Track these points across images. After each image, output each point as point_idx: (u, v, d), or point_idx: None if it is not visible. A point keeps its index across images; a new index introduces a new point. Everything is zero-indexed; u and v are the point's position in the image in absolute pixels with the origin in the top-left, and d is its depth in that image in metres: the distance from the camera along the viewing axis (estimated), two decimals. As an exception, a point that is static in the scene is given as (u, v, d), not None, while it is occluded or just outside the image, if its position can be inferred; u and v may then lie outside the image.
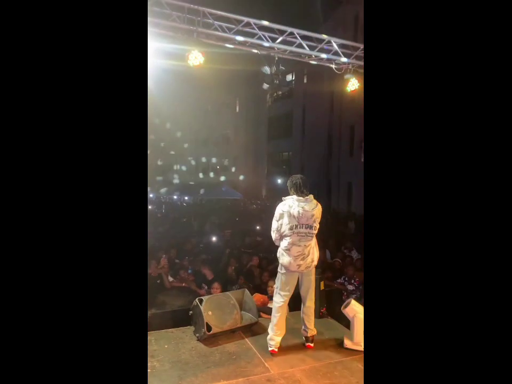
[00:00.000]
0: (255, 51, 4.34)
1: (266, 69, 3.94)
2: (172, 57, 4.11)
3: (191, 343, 3.20)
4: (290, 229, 2.89)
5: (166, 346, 3.13)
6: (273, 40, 4.36)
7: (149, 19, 3.78)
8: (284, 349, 3.07)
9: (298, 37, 4.49)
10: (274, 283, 4.18)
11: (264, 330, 3.35)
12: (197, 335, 3.26)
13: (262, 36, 4.28)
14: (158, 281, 4.72)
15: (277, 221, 2.95)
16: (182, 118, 24.29)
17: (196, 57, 3.87)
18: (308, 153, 19.98)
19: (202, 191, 19.63)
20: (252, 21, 4.13)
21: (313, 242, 3.01)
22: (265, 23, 4.22)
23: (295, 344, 3.18)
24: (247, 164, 25.67)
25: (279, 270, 3.06)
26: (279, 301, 3.05)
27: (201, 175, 27.94)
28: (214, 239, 8.00)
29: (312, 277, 3.13)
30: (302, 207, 2.89)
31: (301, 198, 2.93)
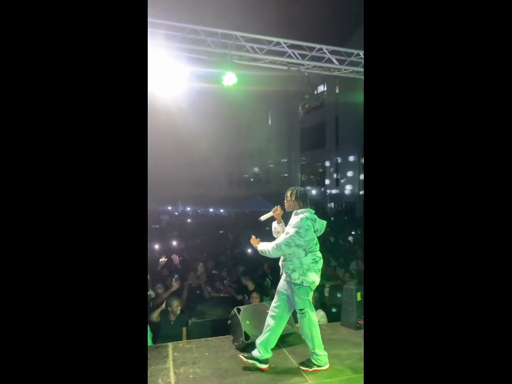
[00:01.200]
0: (285, 68, 4.51)
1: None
2: (207, 80, 4.38)
3: (230, 351, 3.31)
4: (316, 244, 2.81)
5: (206, 354, 3.27)
6: (303, 57, 4.52)
7: (185, 46, 4.08)
8: (321, 359, 3.10)
9: (327, 52, 4.61)
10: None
11: (301, 340, 3.40)
12: (236, 343, 3.37)
13: (292, 54, 4.45)
14: (198, 291, 4.90)
15: (302, 237, 2.70)
16: (216, 135, 24.98)
17: (230, 78, 4.11)
18: (342, 163, 19.77)
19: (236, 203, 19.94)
20: (281, 40, 4.32)
21: None
22: (295, 41, 4.39)
23: (332, 355, 3.20)
24: (280, 176, 25.79)
25: (301, 294, 2.80)
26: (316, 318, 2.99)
27: (235, 188, 28.41)
28: (249, 250, 8.13)
29: None
30: (321, 220, 2.85)
31: (313, 210, 2.84)
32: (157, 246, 7.88)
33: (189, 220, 19.21)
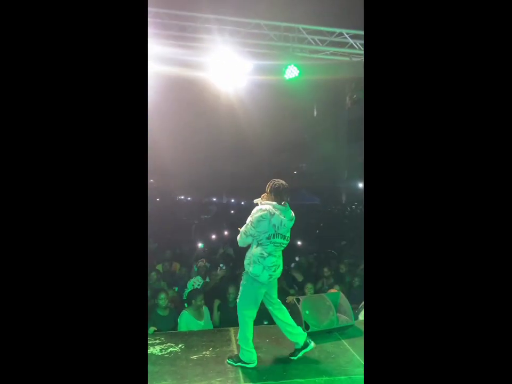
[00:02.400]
0: (347, 59, 4.44)
1: None
2: (269, 73, 4.44)
3: (290, 339, 3.40)
4: (268, 238, 2.68)
5: (267, 340, 3.39)
6: (365, 47, 4.39)
7: (247, 41, 4.17)
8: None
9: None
10: None
11: (361, 333, 3.41)
12: (295, 332, 3.45)
13: (354, 44, 4.36)
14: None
15: (254, 228, 2.68)
16: (262, 125, 25.08)
17: (292, 71, 4.14)
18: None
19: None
20: (344, 31, 4.25)
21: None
22: (357, 32, 4.31)
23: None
24: (326, 168, 25.36)
25: (244, 281, 2.84)
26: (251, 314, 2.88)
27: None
28: (298, 242, 8.18)
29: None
30: (284, 216, 2.71)
31: (281, 206, 2.74)
32: (214, 236, 8.19)
33: (232, 211, 19.62)
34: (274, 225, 2.67)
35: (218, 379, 2.69)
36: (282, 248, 2.82)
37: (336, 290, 4.11)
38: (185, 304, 4.20)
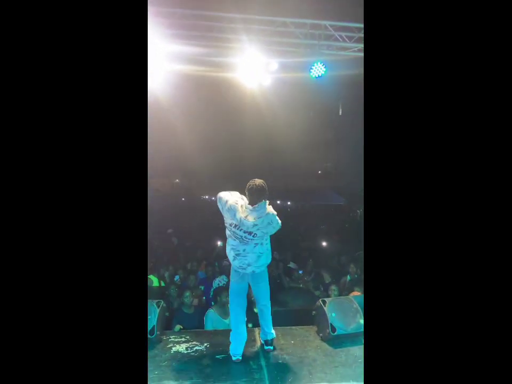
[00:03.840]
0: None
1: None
2: (295, 71, 4.39)
3: (316, 342, 3.34)
4: (230, 225, 2.88)
5: (292, 342, 3.35)
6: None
7: (275, 39, 4.14)
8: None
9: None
10: None
11: (389, 339, 3.31)
12: (321, 334, 3.39)
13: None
14: (278, 281, 5.02)
15: (225, 201, 2.87)
16: (286, 125, 24.96)
17: (318, 70, 4.06)
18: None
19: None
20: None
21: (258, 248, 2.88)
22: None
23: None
24: (351, 168, 24.89)
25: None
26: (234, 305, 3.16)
27: (302, 180, 28.18)
28: (323, 243, 8.07)
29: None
30: (246, 216, 2.80)
31: (250, 206, 2.84)
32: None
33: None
34: (236, 219, 2.83)
35: (243, 379, 2.68)
36: (248, 243, 2.86)
37: (359, 293, 4.01)
38: (211, 303, 4.23)
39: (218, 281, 4.91)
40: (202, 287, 4.97)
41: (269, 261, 3.06)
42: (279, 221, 2.88)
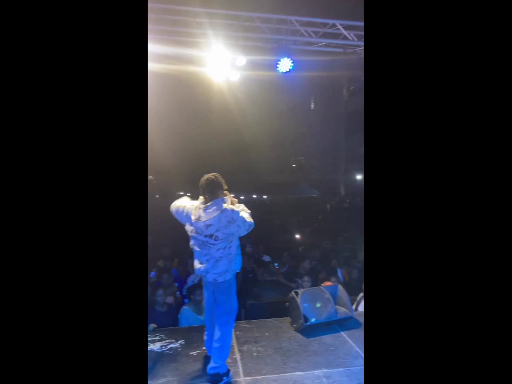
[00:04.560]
0: (341, 51, 4.40)
1: None
2: (263, 67, 4.40)
3: (289, 332, 3.42)
4: (191, 232, 2.57)
5: (266, 334, 3.41)
6: (359, 38, 4.37)
7: (241, 34, 4.12)
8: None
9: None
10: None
11: (359, 325, 3.44)
12: (294, 325, 3.47)
13: (347, 35, 4.32)
14: (251, 275, 5.07)
15: (182, 208, 2.63)
16: (258, 120, 25.03)
17: (285, 64, 4.09)
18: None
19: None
20: (337, 22, 4.21)
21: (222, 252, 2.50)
22: (351, 22, 4.26)
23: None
24: (324, 161, 25.34)
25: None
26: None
27: (277, 174, 28.42)
28: (297, 236, 8.20)
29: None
30: (198, 217, 2.49)
31: (202, 205, 2.52)
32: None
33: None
34: (192, 223, 2.56)
35: (218, 374, 2.70)
36: (211, 248, 2.49)
37: (332, 283, 4.13)
38: (186, 300, 4.21)
39: (193, 278, 4.89)
40: (176, 284, 4.93)
41: (235, 267, 2.56)
42: (248, 219, 2.50)
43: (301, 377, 2.64)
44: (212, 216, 2.45)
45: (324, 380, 2.61)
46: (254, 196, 24.48)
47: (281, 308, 3.78)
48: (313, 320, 3.38)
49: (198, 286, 4.20)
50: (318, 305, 3.02)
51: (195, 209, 2.55)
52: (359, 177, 21.43)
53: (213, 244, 2.48)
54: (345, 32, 4.35)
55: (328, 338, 3.27)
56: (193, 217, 2.53)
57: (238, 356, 2.97)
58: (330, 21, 4.24)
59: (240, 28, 4.02)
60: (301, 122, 27.09)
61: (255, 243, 6.97)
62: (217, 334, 2.60)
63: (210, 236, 2.47)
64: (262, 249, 6.62)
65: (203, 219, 2.47)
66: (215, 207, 2.47)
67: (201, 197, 2.59)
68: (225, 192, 2.61)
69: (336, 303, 3.59)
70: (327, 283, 4.17)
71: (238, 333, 3.41)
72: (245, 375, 2.69)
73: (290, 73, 4.23)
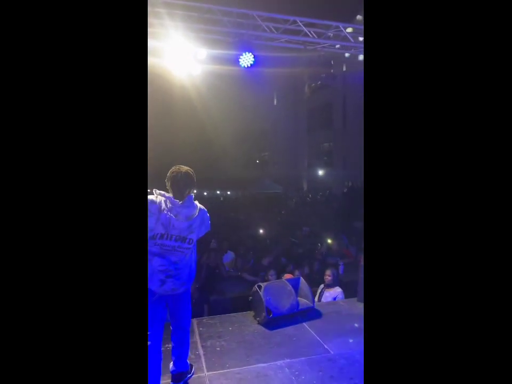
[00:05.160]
0: (302, 47, 4.47)
1: None
2: (224, 61, 4.37)
3: (253, 326, 3.45)
4: (153, 237, 2.13)
5: (230, 328, 3.42)
6: (319, 35, 4.47)
7: (202, 26, 4.05)
8: (341, 333, 3.24)
9: (343, 30, 4.54)
10: (330, 272, 4.32)
11: (320, 315, 3.56)
12: (258, 319, 3.51)
13: (308, 32, 4.39)
14: (216, 270, 5.05)
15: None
16: (221, 115, 24.85)
17: (247, 59, 4.09)
18: (349, 144, 19.66)
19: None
20: (298, 18, 4.27)
21: (189, 259, 2.22)
22: (311, 20, 4.33)
23: (351, 328, 3.33)
24: (287, 157, 25.73)
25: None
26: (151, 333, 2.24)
27: (241, 170, 28.44)
28: (261, 231, 8.27)
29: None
30: (176, 214, 2.13)
31: (177, 201, 2.17)
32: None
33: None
34: (162, 224, 2.12)
35: (181, 371, 2.68)
36: (183, 253, 2.18)
37: (292, 276, 4.23)
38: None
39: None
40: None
41: (193, 275, 2.34)
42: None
43: (264, 369, 2.68)
44: (193, 215, 2.17)
45: (286, 369, 2.66)
46: (218, 192, 24.34)
47: (245, 302, 3.81)
48: (276, 312, 3.43)
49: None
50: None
51: (164, 203, 2.16)
52: (321, 172, 22.01)
53: (186, 249, 2.16)
54: (305, 29, 4.43)
55: (290, 330, 3.34)
56: (169, 214, 2.12)
57: (201, 352, 2.96)
58: (291, 18, 4.29)
59: (201, 20, 3.96)
60: (264, 118, 27.26)
61: (220, 238, 6.96)
62: (182, 336, 2.39)
63: (183, 239, 2.14)
64: (227, 244, 6.61)
65: (182, 218, 2.13)
66: (193, 206, 2.21)
67: (165, 193, 2.23)
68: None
69: (298, 295, 3.68)
70: (289, 275, 4.26)
71: (201, 328, 3.40)
72: (208, 370, 2.68)
73: (252, 68, 4.23)
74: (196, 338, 3.21)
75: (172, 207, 2.16)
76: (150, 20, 3.63)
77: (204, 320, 3.64)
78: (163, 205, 2.16)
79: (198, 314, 3.94)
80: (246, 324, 3.51)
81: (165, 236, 2.14)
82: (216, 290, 4.48)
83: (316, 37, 4.43)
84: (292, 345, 3.05)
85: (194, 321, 3.55)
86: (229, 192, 24.14)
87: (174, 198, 2.20)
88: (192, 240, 2.19)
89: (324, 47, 4.52)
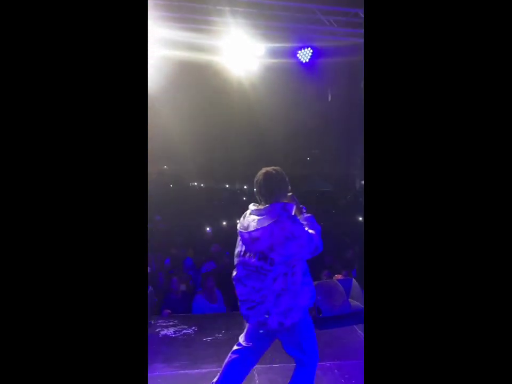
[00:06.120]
0: (361, 41, 4.29)
1: None
2: (282, 55, 4.35)
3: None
4: (236, 256, 1.85)
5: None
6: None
7: (262, 22, 4.07)
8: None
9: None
10: None
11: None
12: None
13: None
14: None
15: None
16: (274, 111, 24.87)
17: (305, 54, 4.04)
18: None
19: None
20: (360, 11, 4.11)
21: (279, 286, 1.73)
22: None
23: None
24: (340, 155, 25.08)
25: None
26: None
27: (291, 167, 28.25)
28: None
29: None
30: (248, 223, 1.79)
31: (255, 207, 1.85)
32: (224, 223, 8.27)
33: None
34: (241, 237, 1.84)
35: (230, 361, 2.74)
36: (263, 276, 1.72)
37: (342, 276, 4.12)
38: (199, 288, 4.28)
39: (206, 267, 4.96)
40: (190, 273, 5.01)
41: (303, 303, 1.81)
42: (315, 237, 1.75)
43: (312, 368, 2.65)
44: (262, 226, 1.72)
45: (336, 371, 2.61)
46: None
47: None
48: (326, 312, 3.38)
49: (212, 273, 4.26)
50: None
51: (244, 216, 1.87)
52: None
53: (268, 271, 1.70)
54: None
55: (339, 331, 3.27)
56: (238, 226, 1.85)
57: (250, 344, 3.00)
58: (353, 10, 4.13)
59: (261, 16, 3.97)
60: (317, 114, 26.76)
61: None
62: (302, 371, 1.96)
63: (264, 258, 1.71)
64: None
65: (251, 228, 1.76)
66: (268, 214, 1.75)
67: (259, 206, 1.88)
68: (289, 195, 1.89)
69: (350, 296, 3.59)
70: (339, 276, 4.17)
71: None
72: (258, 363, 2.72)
73: (311, 64, 4.17)
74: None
75: (249, 215, 1.83)
76: (213, 18, 3.73)
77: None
78: (244, 216, 1.87)
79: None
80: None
81: (247, 254, 1.78)
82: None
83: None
84: (341, 347, 2.98)
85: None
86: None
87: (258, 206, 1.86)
88: (273, 261, 1.70)
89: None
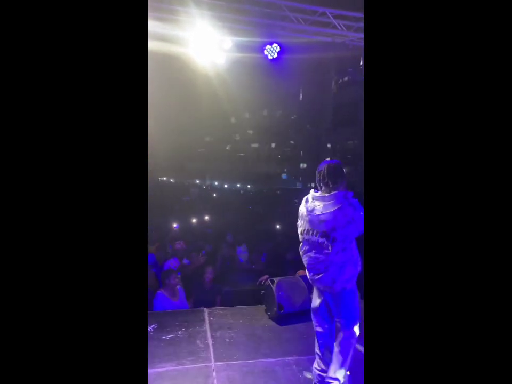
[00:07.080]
0: (330, 40, 4.35)
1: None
2: (249, 50, 4.31)
3: (263, 320, 3.44)
4: (301, 233, 2.27)
5: (240, 320, 3.42)
6: (348, 28, 4.33)
7: (229, 15, 4.01)
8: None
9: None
10: None
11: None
12: (269, 313, 3.49)
13: (337, 25, 4.26)
14: (229, 263, 5.07)
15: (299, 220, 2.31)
16: (244, 109, 24.83)
17: (272, 50, 4.02)
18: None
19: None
20: (327, 10, 4.15)
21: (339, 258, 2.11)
22: (341, 11, 4.20)
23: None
24: (310, 153, 25.46)
25: None
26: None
27: (263, 164, 28.39)
28: (277, 226, 8.24)
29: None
30: (314, 207, 2.17)
31: (317, 193, 2.23)
32: (194, 220, 8.16)
33: (214, 195, 19.52)
34: (304, 217, 2.25)
35: (189, 358, 2.70)
36: (327, 251, 2.12)
37: (304, 272, 4.17)
38: (160, 285, 4.17)
39: (169, 263, 4.85)
40: (152, 270, 4.88)
41: (360, 269, 2.19)
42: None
43: (271, 364, 2.66)
44: (328, 211, 2.11)
45: (294, 366, 2.63)
46: (238, 185, 24.44)
47: (257, 296, 3.80)
48: (288, 308, 3.40)
49: (174, 271, 4.18)
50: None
51: (307, 200, 2.24)
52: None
53: (331, 246, 2.10)
54: (334, 21, 4.30)
55: (301, 327, 3.30)
56: (304, 209, 2.22)
57: (210, 341, 2.97)
58: (320, 9, 4.17)
59: (228, 9, 3.91)
60: (288, 113, 27.02)
61: (236, 232, 6.99)
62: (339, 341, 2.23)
63: (327, 236, 2.10)
64: (242, 237, 6.62)
65: (317, 212, 2.15)
66: (333, 201, 2.12)
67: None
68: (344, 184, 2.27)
69: (311, 292, 3.62)
70: (302, 272, 4.21)
71: (211, 318, 3.42)
72: (216, 360, 2.69)
73: (278, 60, 4.16)
74: (205, 327, 3.23)
75: (312, 200, 2.22)
76: (175, 7, 3.62)
77: (215, 310, 3.66)
78: (306, 199, 2.26)
79: (210, 304, 3.97)
80: (257, 317, 3.49)
81: (311, 232, 2.20)
82: (230, 281, 4.49)
83: (345, 30, 4.29)
84: (301, 343, 3.01)
85: (206, 311, 3.57)
86: (249, 186, 24.17)
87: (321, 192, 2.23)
88: (335, 239, 2.09)
89: (353, 40, 4.38)
